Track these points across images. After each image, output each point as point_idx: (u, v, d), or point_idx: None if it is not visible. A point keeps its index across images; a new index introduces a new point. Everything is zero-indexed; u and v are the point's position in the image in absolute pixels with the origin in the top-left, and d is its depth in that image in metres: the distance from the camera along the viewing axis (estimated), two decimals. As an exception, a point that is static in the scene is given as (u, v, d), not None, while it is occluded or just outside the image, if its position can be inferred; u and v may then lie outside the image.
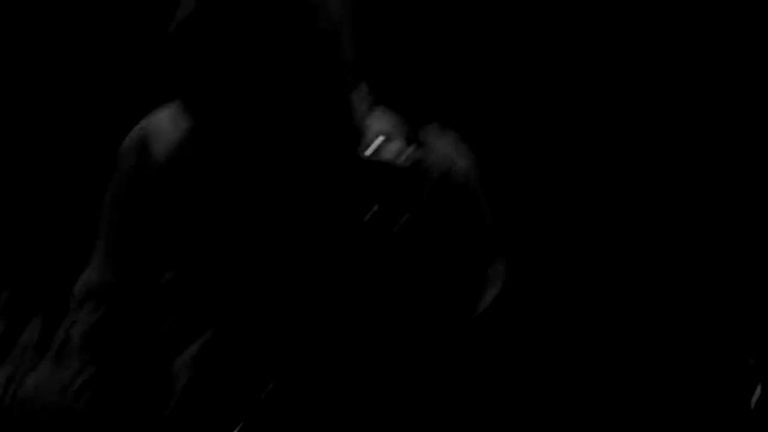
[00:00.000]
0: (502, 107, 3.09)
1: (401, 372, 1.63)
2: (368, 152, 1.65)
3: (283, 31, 1.55)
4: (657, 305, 3.09)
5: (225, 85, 1.59)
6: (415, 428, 1.65)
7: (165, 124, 1.71)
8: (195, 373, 1.64)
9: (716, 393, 2.98)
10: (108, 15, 3.16)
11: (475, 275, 1.67)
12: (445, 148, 1.68)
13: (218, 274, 1.64)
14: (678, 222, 3.10)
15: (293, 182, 1.63)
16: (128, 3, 3.14)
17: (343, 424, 1.61)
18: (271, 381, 1.59)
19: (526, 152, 3.11)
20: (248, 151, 1.63)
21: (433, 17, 3.08)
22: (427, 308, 1.64)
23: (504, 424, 1.79)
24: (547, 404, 3.06)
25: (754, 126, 3.08)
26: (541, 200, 3.11)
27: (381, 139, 1.66)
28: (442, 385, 1.66)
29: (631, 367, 3.07)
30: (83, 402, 1.70)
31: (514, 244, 1.84)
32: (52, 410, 1.70)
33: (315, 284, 1.61)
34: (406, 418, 1.64)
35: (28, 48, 3.21)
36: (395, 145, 1.66)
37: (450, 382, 1.67)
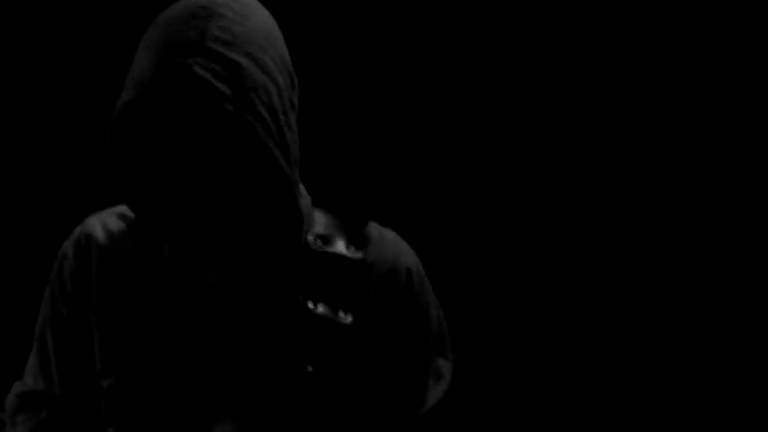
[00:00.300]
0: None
1: None
2: (318, 245, 1.65)
3: (223, 122, 1.54)
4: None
5: (165, 182, 1.59)
6: None
7: (106, 228, 1.69)
8: None
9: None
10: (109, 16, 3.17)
11: (422, 372, 1.67)
12: (387, 246, 1.69)
13: (159, 378, 1.61)
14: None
15: (238, 278, 1.62)
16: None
17: None
18: None
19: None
20: (190, 251, 1.62)
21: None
22: (374, 405, 1.64)
23: None
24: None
25: (755, 126, 3.08)
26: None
27: (327, 229, 1.67)
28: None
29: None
30: None
31: (463, 338, 1.83)
32: None
33: (260, 381, 1.59)
34: None
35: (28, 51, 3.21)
36: (339, 244, 1.66)
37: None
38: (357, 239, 1.67)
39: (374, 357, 1.64)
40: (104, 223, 1.70)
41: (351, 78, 3.11)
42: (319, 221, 1.69)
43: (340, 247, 1.66)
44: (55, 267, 1.71)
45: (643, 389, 3.08)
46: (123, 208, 1.71)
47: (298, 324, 1.60)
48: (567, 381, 3.10)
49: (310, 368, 1.58)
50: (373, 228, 1.71)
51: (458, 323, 1.91)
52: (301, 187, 1.69)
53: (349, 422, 1.62)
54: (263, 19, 1.61)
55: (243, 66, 1.53)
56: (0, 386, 1.76)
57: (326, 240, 1.66)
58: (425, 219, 3.04)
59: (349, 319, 1.61)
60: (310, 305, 1.61)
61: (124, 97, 1.55)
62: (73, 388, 1.68)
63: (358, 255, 1.65)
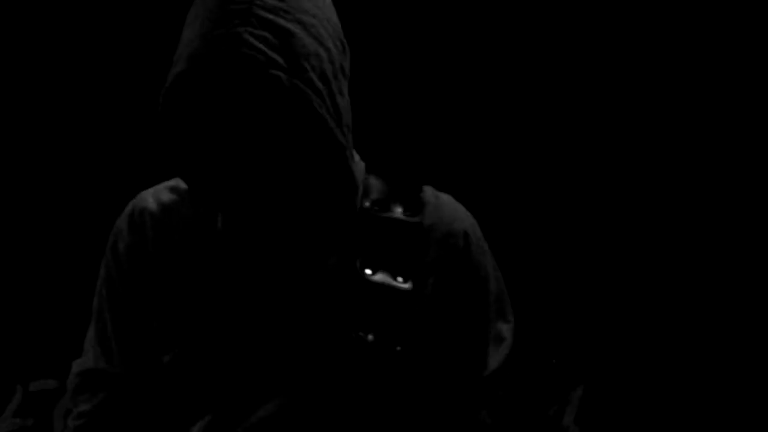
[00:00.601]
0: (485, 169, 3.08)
1: None
2: (374, 209, 1.63)
3: (276, 92, 1.51)
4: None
5: (218, 154, 1.57)
6: None
7: (159, 201, 1.68)
8: None
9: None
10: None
11: (483, 335, 1.65)
12: (443, 210, 1.67)
13: (218, 354, 1.59)
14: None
15: (295, 252, 1.60)
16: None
17: None
18: None
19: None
20: (247, 226, 1.60)
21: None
22: (435, 370, 1.62)
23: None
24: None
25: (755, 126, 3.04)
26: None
27: (382, 194, 1.65)
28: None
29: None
30: None
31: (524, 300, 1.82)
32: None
33: (318, 351, 1.57)
34: None
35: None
36: (395, 209, 1.64)
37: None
38: (413, 204, 1.65)
39: (434, 322, 1.62)
40: (157, 196, 1.68)
41: (401, 44, 3.09)
42: (375, 187, 1.67)
43: (396, 212, 1.64)
44: (109, 243, 1.70)
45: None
46: (174, 182, 1.70)
47: (356, 292, 1.58)
48: (623, 345, 3.08)
49: (370, 337, 1.56)
50: (429, 192, 1.69)
51: (517, 286, 1.90)
52: (355, 155, 1.67)
53: (411, 390, 1.60)
54: (328, 7, 1.59)
55: (294, 33, 1.51)
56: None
57: (382, 205, 1.64)
58: (480, 184, 3.03)
59: (407, 284, 1.59)
60: (368, 272, 1.59)
61: (175, 69, 1.53)
62: (134, 366, 1.67)
63: (415, 219, 1.63)
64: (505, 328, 1.68)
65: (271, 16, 1.50)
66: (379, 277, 1.59)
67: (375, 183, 1.68)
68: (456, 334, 1.64)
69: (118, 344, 1.68)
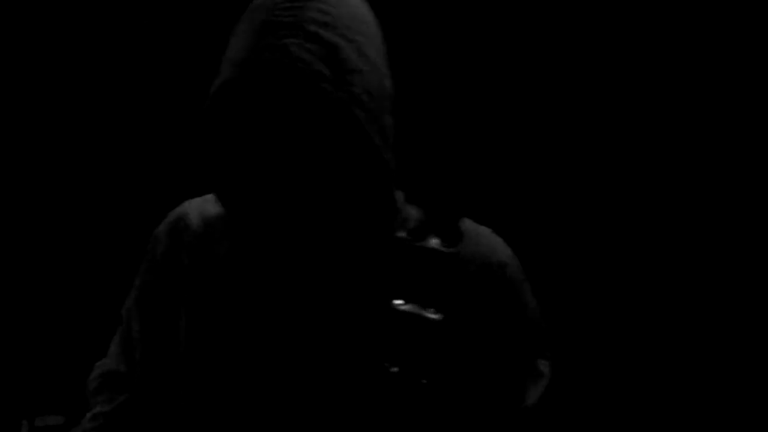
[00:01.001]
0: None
1: None
2: (409, 239, 1.60)
3: (322, 103, 1.50)
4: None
5: (258, 165, 1.54)
6: None
7: (201, 212, 1.67)
8: None
9: None
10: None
11: (520, 370, 1.62)
12: (482, 242, 1.64)
13: (238, 373, 1.57)
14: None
15: (328, 272, 1.58)
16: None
17: None
18: None
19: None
20: (283, 241, 1.58)
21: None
22: (465, 405, 1.58)
23: None
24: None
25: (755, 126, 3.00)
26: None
27: (419, 223, 1.62)
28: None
29: None
30: None
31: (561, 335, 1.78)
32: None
33: (340, 379, 1.55)
34: None
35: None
36: (432, 239, 1.61)
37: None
38: (450, 235, 1.62)
39: (467, 354, 1.58)
40: (200, 207, 1.68)
41: (441, 73, 3.07)
42: (412, 216, 1.64)
43: (432, 242, 1.60)
44: (148, 248, 1.69)
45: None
46: (210, 199, 1.68)
47: (384, 322, 1.55)
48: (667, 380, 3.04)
49: (395, 369, 1.53)
50: (468, 224, 1.66)
51: (556, 320, 1.85)
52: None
53: (435, 424, 1.55)
54: (359, 4, 1.59)
55: (341, 47, 1.50)
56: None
57: (418, 234, 1.61)
58: (520, 217, 2.99)
59: (438, 315, 1.55)
60: (398, 302, 1.56)
61: (220, 79, 1.51)
62: (155, 373, 1.65)
63: (451, 250, 1.60)
64: (544, 364, 1.64)
65: (319, 30, 1.49)
66: (409, 307, 1.56)
67: (413, 212, 1.65)
68: (492, 368, 1.60)
69: (142, 349, 1.67)
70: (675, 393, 3.05)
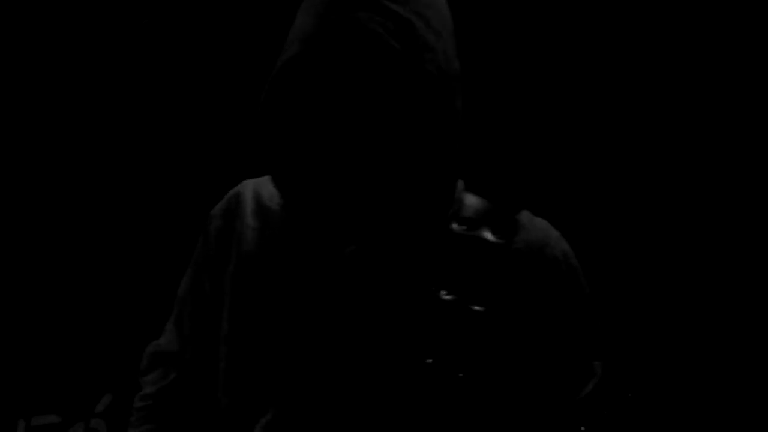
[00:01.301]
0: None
1: None
2: (462, 228, 1.57)
3: (392, 78, 1.46)
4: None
5: (321, 144, 1.51)
6: None
7: (257, 192, 1.64)
8: None
9: None
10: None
11: (571, 366, 1.58)
12: (536, 234, 1.59)
13: (278, 350, 1.55)
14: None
15: (375, 255, 1.54)
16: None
17: None
18: None
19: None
20: (337, 224, 1.55)
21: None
22: (507, 400, 1.55)
23: None
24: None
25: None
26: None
27: (476, 213, 1.59)
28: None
29: None
30: None
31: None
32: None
33: (376, 366, 1.52)
34: None
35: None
36: (485, 229, 1.57)
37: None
38: (505, 226, 1.58)
39: (516, 348, 1.54)
40: (257, 187, 1.65)
41: (507, 62, 3.04)
42: (469, 205, 1.61)
43: (485, 232, 1.57)
44: (204, 227, 1.67)
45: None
46: (267, 181, 1.65)
47: (424, 311, 1.51)
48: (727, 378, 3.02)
49: (429, 360, 1.49)
50: (525, 216, 1.62)
51: (613, 316, 1.82)
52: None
53: (471, 419, 1.52)
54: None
55: (414, 23, 1.46)
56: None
57: (472, 224, 1.58)
58: (579, 210, 2.96)
59: (482, 307, 1.52)
60: (442, 292, 1.52)
61: (286, 54, 1.47)
62: (204, 354, 1.63)
63: (503, 241, 1.56)
64: (597, 364, 1.59)
65: (393, 6, 1.45)
66: (452, 297, 1.52)
67: (471, 201, 1.62)
68: (542, 361, 1.56)
69: (193, 331, 1.65)
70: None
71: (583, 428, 1.55)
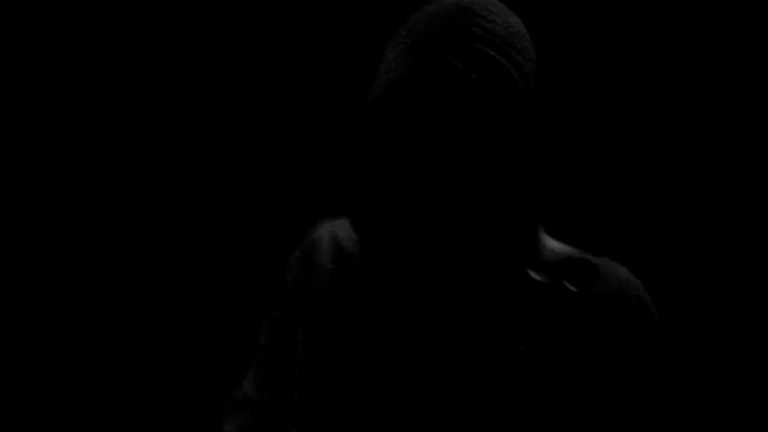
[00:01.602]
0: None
1: None
2: (541, 275, 1.53)
3: (481, 124, 1.45)
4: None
5: (405, 186, 1.50)
6: None
7: (334, 234, 1.64)
8: None
9: None
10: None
11: (647, 425, 1.54)
12: (616, 284, 1.56)
13: (354, 396, 1.54)
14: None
15: (450, 300, 1.53)
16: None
17: None
18: None
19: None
20: (410, 265, 1.54)
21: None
22: None
23: None
24: None
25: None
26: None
27: (556, 259, 1.57)
28: None
29: None
30: None
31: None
32: None
33: (454, 413, 1.50)
34: None
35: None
36: (563, 275, 1.53)
37: None
38: (584, 272, 1.54)
39: (590, 398, 1.51)
40: (334, 229, 1.65)
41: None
42: (549, 250, 1.59)
43: (564, 279, 1.53)
44: (284, 271, 1.68)
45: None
46: (345, 225, 1.66)
47: (499, 363, 1.49)
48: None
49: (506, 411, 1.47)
50: (605, 262, 1.58)
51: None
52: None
53: None
54: (519, 24, 1.55)
55: (505, 67, 1.46)
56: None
57: (551, 271, 1.54)
58: (668, 260, 2.90)
59: (557, 356, 1.50)
60: (518, 341, 1.49)
61: (375, 92, 1.47)
62: (282, 400, 1.64)
63: (582, 289, 1.52)
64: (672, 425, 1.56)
65: (482, 47, 1.45)
66: (529, 346, 1.50)
67: (550, 245, 1.60)
68: (617, 418, 1.53)
69: (271, 374, 1.66)
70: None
71: None
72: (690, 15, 2.97)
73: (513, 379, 1.49)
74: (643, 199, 2.96)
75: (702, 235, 2.96)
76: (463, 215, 1.49)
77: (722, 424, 2.94)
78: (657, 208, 2.96)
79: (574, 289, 1.52)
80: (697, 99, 2.98)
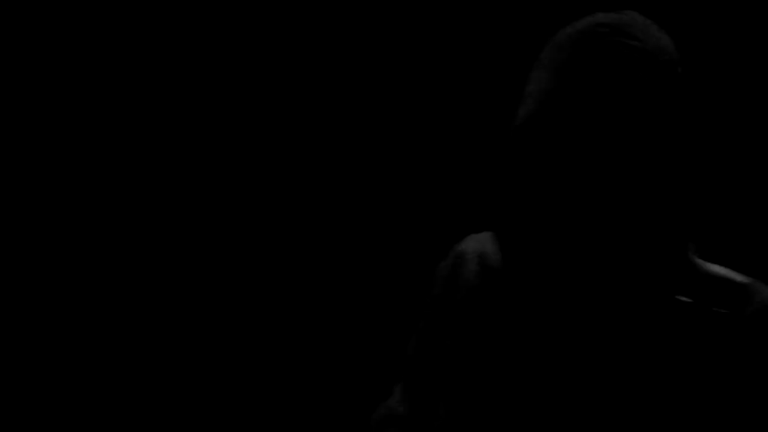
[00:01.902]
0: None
1: None
2: (689, 299, 1.51)
3: (634, 141, 1.44)
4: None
5: (555, 205, 1.48)
6: None
7: (480, 248, 1.64)
8: None
9: None
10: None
11: None
12: (765, 298, 1.52)
13: (502, 413, 1.52)
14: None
15: (598, 316, 1.50)
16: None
17: None
18: None
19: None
20: (558, 281, 1.51)
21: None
22: None
23: None
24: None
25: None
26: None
27: (704, 278, 1.53)
28: None
29: None
30: None
31: None
32: None
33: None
34: None
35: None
36: (711, 298, 1.51)
37: None
38: (734, 296, 1.51)
39: (737, 417, 1.47)
40: (478, 244, 1.64)
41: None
42: (699, 271, 1.54)
43: (711, 301, 1.50)
44: (430, 287, 1.67)
45: None
46: (489, 238, 1.65)
47: (645, 387, 1.46)
48: None
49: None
50: (757, 287, 1.53)
51: None
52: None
53: None
54: (667, 38, 1.54)
55: (654, 82, 1.45)
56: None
57: (700, 293, 1.51)
58: None
59: (708, 379, 1.46)
60: (666, 361, 1.47)
61: (528, 109, 1.47)
62: (430, 416, 1.63)
63: (731, 312, 1.49)
64: None
65: (632, 63, 1.45)
66: (676, 372, 1.47)
67: (701, 266, 1.55)
68: None
69: (418, 390, 1.66)
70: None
71: None
72: None
73: (657, 405, 1.46)
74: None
75: None
76: (614, 232, 1.47)
77: None
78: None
79: (723, 311, 1.49)
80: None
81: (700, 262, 1.56)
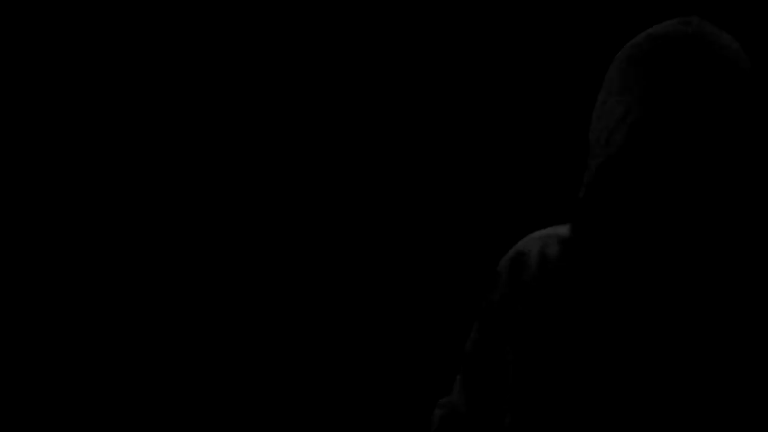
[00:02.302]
0: None
1: None
2: None
3: (720, 157, 1.45)
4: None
5: (650, 202, 1.49)
6: None
7: (543, 248, 1.61)
8: None
9: None
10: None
11: None
12: None
13: (571, 417, 1.50)
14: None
15: (675, 318, 1.50)
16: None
17: None
18: None
19: None
20: (630, 284, 1.51)
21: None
22: None
23: None
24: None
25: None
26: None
27: None
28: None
29: None
30: None
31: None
32: None
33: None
34: None
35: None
36: None
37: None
38: None
39: None
40: (542, 244, 1.61)
41: None
42: None
43: None
44: (488, 286, 1.64)
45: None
46: (564, 230, 1.62)
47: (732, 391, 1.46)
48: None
49: None
50: None
51: None
52: None
53: None
54: (735, 41, 1.54)
55: (734, 92, 1.46)
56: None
57: None
58: None
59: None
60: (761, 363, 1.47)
61: (617, 142, 1.46)
62: (492, 412, 1.63)
63: None
64: None
65: (714, 74, 1.45)
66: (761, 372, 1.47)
67: None
68: None
69: (477, 389, 1.65)
70: None
71: None
72: None
73: (741, 405, 1.46)
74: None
75: None
76: (710, 239, 1.49)
77: None
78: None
79: None
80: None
81: None
